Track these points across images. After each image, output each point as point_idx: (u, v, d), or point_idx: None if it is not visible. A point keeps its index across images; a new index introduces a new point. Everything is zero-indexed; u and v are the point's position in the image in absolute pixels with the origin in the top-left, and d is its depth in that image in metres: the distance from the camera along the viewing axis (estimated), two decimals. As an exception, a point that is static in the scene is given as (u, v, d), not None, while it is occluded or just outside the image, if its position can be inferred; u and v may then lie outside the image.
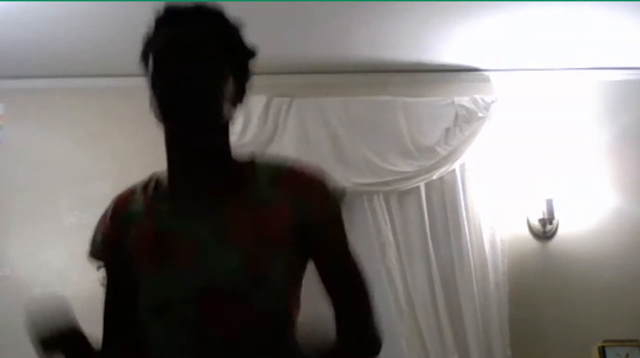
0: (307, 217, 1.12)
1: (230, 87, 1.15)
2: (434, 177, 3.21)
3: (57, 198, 3.24)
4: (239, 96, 1.20)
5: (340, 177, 3.14)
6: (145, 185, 1.25)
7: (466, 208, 3.19)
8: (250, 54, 1.23)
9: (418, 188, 3.21)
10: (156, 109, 1.17)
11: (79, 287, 3.15)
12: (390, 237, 3.15)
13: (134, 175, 3.60)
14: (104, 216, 1.30)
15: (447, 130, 3.25)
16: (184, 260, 1.08)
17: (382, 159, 3.19)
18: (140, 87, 3.97)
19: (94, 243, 1.33)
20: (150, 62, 1.19)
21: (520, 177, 3.25)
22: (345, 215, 1.19)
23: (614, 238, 3.23)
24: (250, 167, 1.18)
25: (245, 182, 1.15)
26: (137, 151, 3.33)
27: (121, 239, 1.20)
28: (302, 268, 1.17)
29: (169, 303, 1.08)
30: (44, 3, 2.67)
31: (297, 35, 3.01)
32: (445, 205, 3.21)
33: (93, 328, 3.35)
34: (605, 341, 3.05)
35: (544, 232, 3.25)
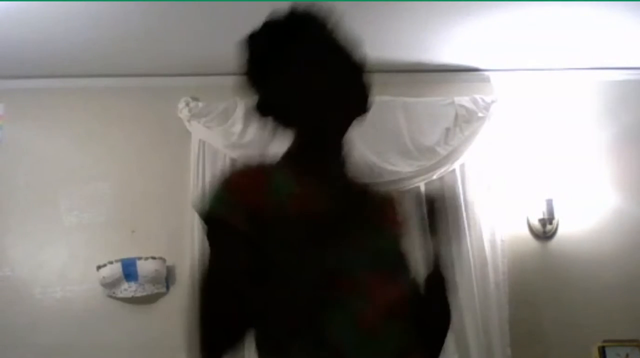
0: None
1: None
2: (434, 177, 3.21)
3: (57, 198, 3.24)
4: None
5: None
6: (277, 166, 1.23)
7: (466, 209, 3.19)
8: None
9: (418, 188, 3.21)
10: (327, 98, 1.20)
11: (79, 287, 3.16)
12: (391, 237, 3.15)
13: (134, 175, 3.63)
14: (242, 178, 1.16)
15: (447, 130, 3.25)
16: (356, 238, 1.14)
17: (382, 159, 3.19)
18: (140, 87, 3.99)
19: (221, 202, 1.13)
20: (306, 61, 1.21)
21: (520, 177, 3.25)
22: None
23: (614, 238, 3.23)
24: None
25: (366, 186, 1.31)
26: (137, 151, 3.34)
27: (264, 210, 1.10)
28: None
29: (340, 273, 1.10)
30: (43, 3, 2.67)
31: (297, 35, 3.01)
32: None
33: (92, 328, 3.36)
34: (605, 341, 3.05)
35: (544, 232, 3.25)
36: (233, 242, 1.10)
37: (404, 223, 1.28)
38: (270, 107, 1.24)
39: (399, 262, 1.19)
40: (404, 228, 1.27)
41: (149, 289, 3.13)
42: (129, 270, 3.10)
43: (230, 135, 3.23)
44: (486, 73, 3.39)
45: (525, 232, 3.27)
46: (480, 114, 3.26)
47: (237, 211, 1.11)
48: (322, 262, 1.09)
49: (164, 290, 3.16)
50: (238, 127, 3.22)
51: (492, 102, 3.28)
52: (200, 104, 3.29)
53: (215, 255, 1.11)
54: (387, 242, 1.19)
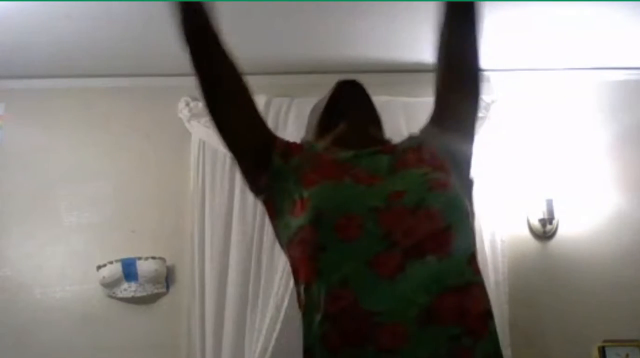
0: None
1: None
2: (434, 177, 3.21)
3: (57, 198, 3.24)
4: None
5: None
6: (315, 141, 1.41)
7: (466, 209, 3.18)
8: None
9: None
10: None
11: (79, 287, 3.16)
12: (390, 237, 3.15)
13: (133, 175, 3.64)
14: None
15: (447, 130, 3.25)
16: (365, 180, 1.17)
17: (382, 159, 3.19)
18: (140, 87, 3.99)
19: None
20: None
21: (520, 177, 3.25)
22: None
23: (614, 239, 3.22)
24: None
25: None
26: (137, 151, 3.34)
27: (294, 156, 1.29)
28: (467, 186, 1.28)
29: (347, 211, 1.10)
30: (44, 3, 2.67)
31: (297, 35, 3.01)
32: (445, 205, 3.21)
33: (92, 328, 3.36)
34: (605, 341, 3.05)
35: (544, 232, 3.25)
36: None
37: (438, 162, 1.27)
38: None
39: (428, 197, 1.12)
40: (438, 165, 1.25)
41: (149, 289, 3.13)
42: (129, 270, 3.10)
43: (230, 135, 3.23)
44: (486, 73, 3.39)
45: (525, 232, 3.27)
46: (480, 114, 3.25)
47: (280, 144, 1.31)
48: (330, 201, 1.12)
49: (164, 290, 3.16)
50: (238, 127, 3.22)
51: (492, 102, 3.28)
52: (200, 104, 3.29)
53: None
54: (409, 181, 1.18)
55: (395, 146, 1.37)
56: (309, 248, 1.09)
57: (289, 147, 1.31)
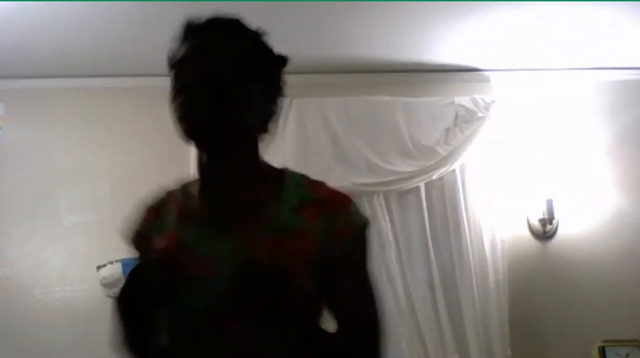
0: (328, 250, 1.13)
1: (255, 96, 1.17)
2: (434, 177, 3.21)
3: (57, 198, 3.24)
4: (268, 110, 1.20)
5: (340, 177, 3.15)
6: (180, 192, 1.30)
7: (466, 209, 3.19)
8: (279, 61, 1.23)
9: (418, 188, 3.21)
10: (177, 121, 1.22)
11: (79, 287, 3.16)
12: (390, 237, 3.15)
13: (134, 175, 3.63)
14: (144, 210, 1.36)
15: (447, 130, 3.25)
16: (201, 270, 1.12)
17: (382, 159, 3.19)
18: (140, 87, 3.97)
19: (130, 230, 1.35)
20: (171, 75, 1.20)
21: (520, 177, 3.25)
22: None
23: (614, 239, 3.23)
24: (278, 185, 1.19)
25: (270, 203, 1.16)
26: (137, 151, 3.34)
27: (148, 242, 1.25)
28: (316, 298, 1.16)
29: (182, 310, 1.13)
30: (44, 3, 2.67)
31: (297, 35, 3.01)
32: (445, 205, 3.21)
33: (92, 328, 3.35)
34: (605, 341, 3.05)
35: (544, 232, 3.25)
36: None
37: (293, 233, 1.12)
38: None
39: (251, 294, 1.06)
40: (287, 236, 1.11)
41: (149, 289, 3.12)
42: (129, 270, 3.09)
43: (230, 135, 3.23)
44: (486, 73, 3.39)
45: (525, 232, 3.27)
46: (480, 114, 3.26)
47: (136, 239, 1.32)
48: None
49: (163, 290, 3.16)
50: (238, 127, 3.22)
51: (492, 102, 3.28)
52: (200, 104, 3.29)
53: None
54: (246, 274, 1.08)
55: (262, 210, 1.15)
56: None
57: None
